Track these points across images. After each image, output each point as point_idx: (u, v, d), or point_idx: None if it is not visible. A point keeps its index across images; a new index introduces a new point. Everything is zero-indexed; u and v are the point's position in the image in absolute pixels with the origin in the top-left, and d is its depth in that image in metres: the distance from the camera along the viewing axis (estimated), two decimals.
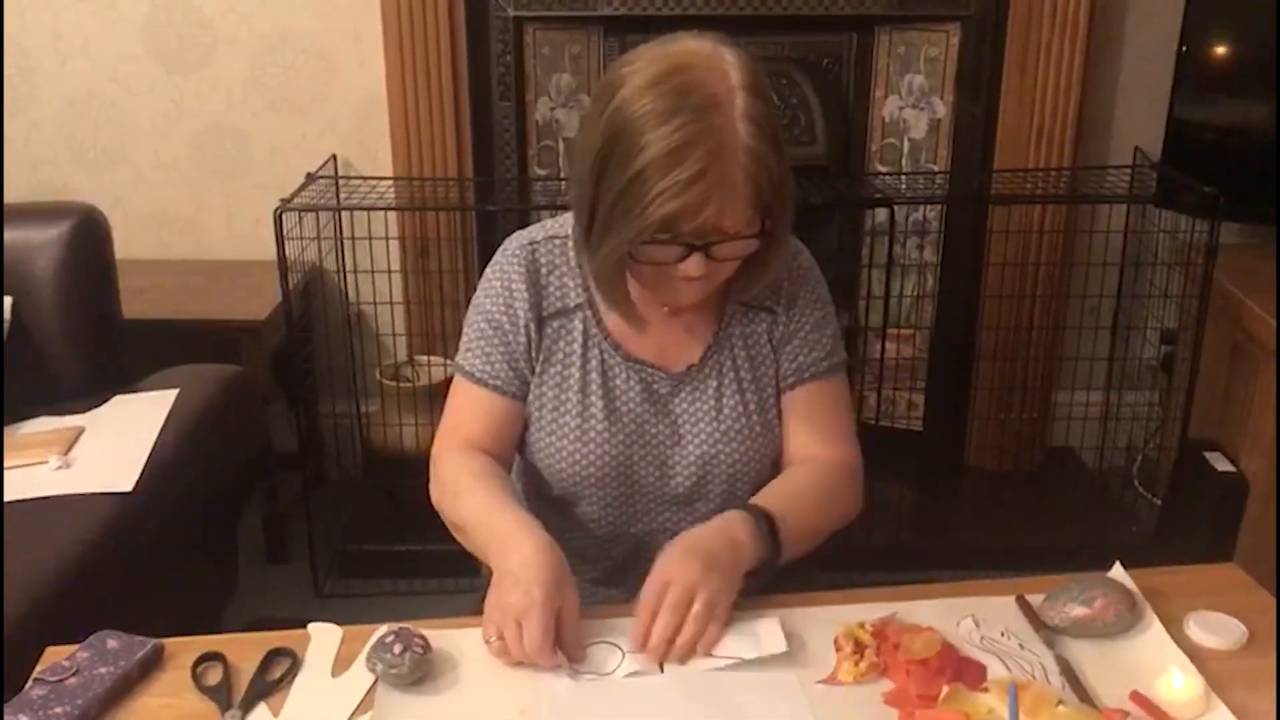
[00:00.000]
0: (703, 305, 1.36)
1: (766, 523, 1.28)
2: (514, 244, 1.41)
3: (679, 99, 1.16)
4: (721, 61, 1.20)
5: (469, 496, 1.31)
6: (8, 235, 2.18)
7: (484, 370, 1.39)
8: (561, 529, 1.33)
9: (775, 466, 1.44)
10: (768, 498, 1.34)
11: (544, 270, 1.39)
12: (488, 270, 1.42)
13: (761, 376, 1.41)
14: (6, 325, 2.13)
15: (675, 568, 1.20)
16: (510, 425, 1.40)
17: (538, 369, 1.39)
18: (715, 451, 1.38)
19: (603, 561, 1.46)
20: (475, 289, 1.44)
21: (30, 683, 1.13)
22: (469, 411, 1.40)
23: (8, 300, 2.14)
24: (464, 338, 1.42)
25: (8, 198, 2.38)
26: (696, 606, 1.18)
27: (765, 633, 1.20)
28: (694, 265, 1.22)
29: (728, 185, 1.17)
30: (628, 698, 1.14)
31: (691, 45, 1.22)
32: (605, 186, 1.21)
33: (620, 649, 1.20)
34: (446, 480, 1.36)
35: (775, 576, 1.30)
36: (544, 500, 1.44)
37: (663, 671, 1.17)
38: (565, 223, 1.39)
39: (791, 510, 1.31)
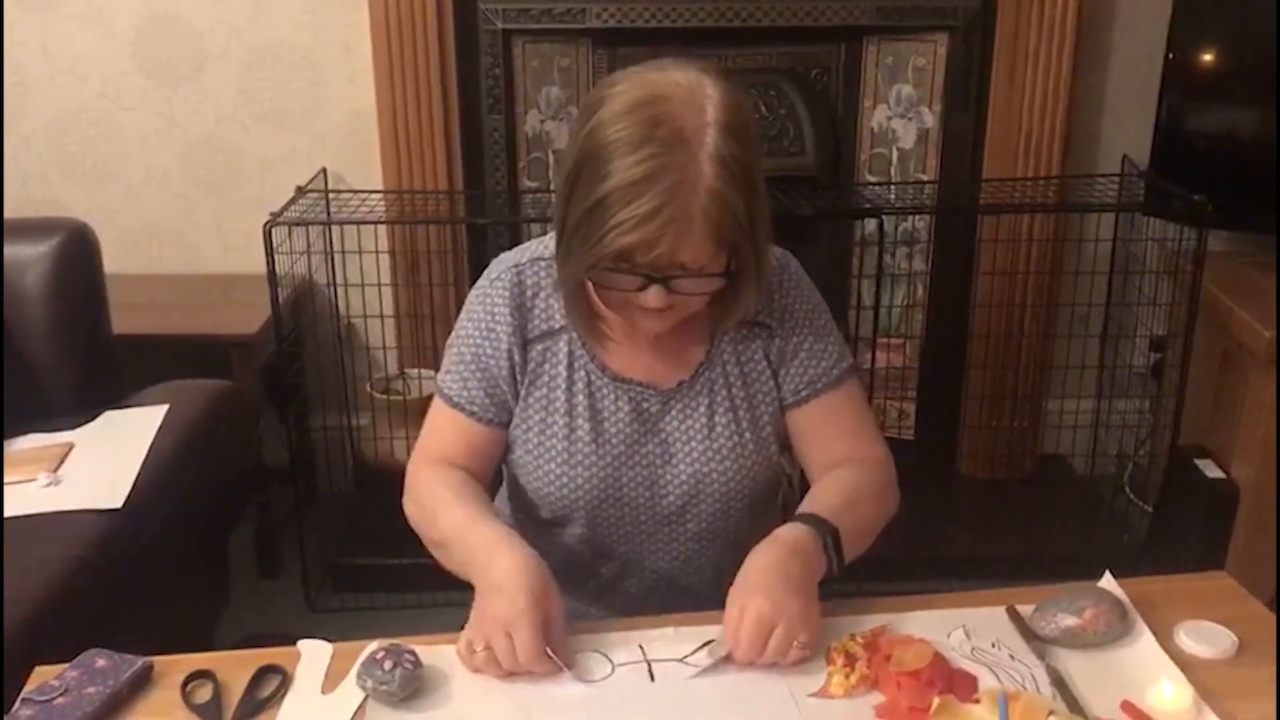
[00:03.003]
0: (693, 324, 1.35)
1: (832, 534, 1.27)
2: (499, 268, 1.40)
3: (649, 130, 1.15)
4: (700, 95, 1.18)
5: (447, 512, 1.31)
6: None
7: (460, 395, 1.39)
8: (550, 548, 1.33)
9: (770, 485, 1.43)
10: (820, 505, 1.31)
11: (529, 293, 1.38)
12: (471, 294, 1.41)
13: (755, 394, 1.40)
14: None
15: (774, 609, 1.17)
16: (485, 449, 1.40)
17: (523, 392, 1.39)
18: (707, 470, 1.38)
19: (593, 580, 1.45)
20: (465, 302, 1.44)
21: (18, 703, 1.13)
22: (446, 433, 1.41)
23: None
24: (445, 360, 1.42)
25: None
26: (803, 637, 1.17)
27: None
28: (653, 297, 1.21)
29: (685, 222, 1.16)
30: (619, 712, 1.14)
31: (675, 76, 1.20)
32: (572, 208, 1.21)
33: (610, 659, 1.20)
34: (424, 497, 1.36)
35: None
36: (532, 520, 1.44)
37: (653, 680, 1.17)
38: (551, 244, 1.38)
39: (846, 518, 1.30)
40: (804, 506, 1.32)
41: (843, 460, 1.40)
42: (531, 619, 1.15)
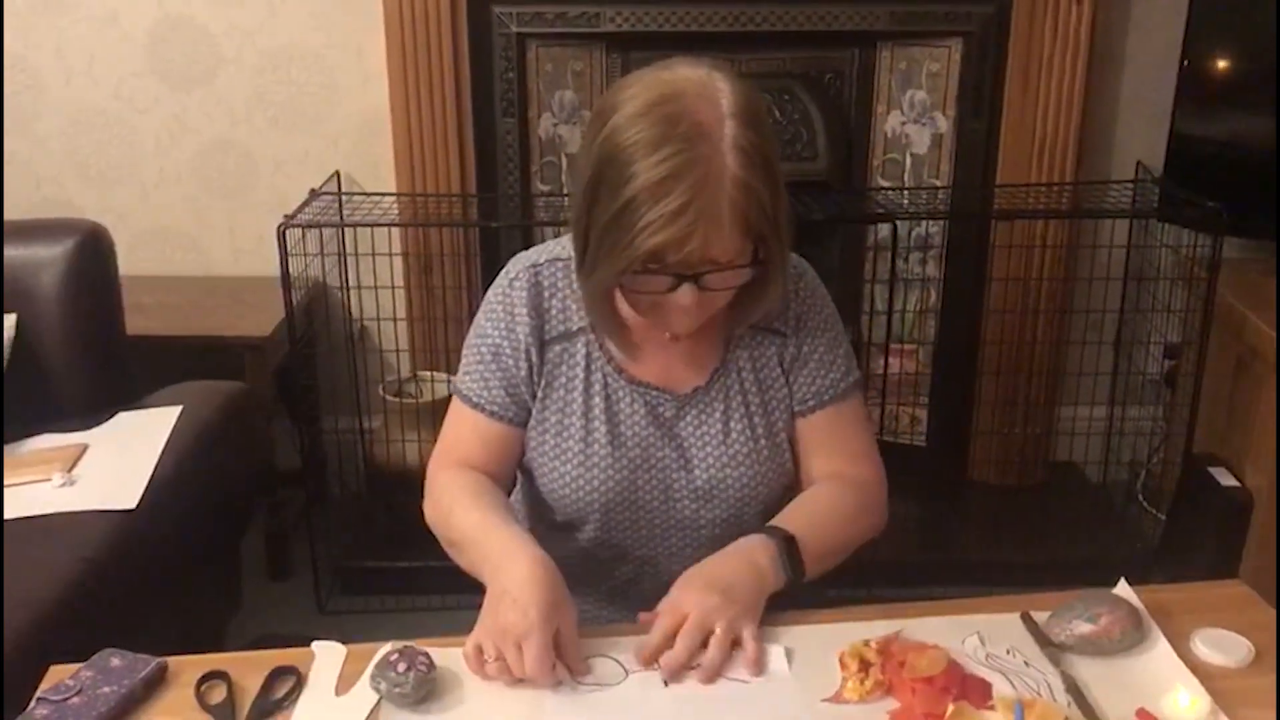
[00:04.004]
0: (708, 329, 1.35)
1: (787, 545, 1.28)
2: (516, 267, 1.40)
3: (668, 128, 1.16)
4: (713, 89, 1.19)
5: (462, 513, 1.31)
6: (12, 253, 2.19)
7: (481, 395, 1.39)
8: (565, 551, 1.34)
9: (785, 491, 1.43)
10: (788, 518, 1.33)
11: (547, 294, 1.38)
12: (489, 293, 1.41)
13: (770, 400, 1.40)
14: (9, 343, 2.13)
15: (693, 598, 1.21)
16: (506, 449, 1.40)
17: (540, 394, 1.38)
18: (723, 476, 1.38)
19: (606, 583, 1.45)
20: (478, 305, 1.43)
21: (34, 702, 1.13)
22: (465, 434, 1.40)
23: (11, 318, 2.15)
24: (463, 360, 1.42)
25: (12, 215, 2.38)
26: (718, 632, 1.18)
27: (772, 663, 1.20)
28: (685, 295, 1.21)
29: (714, 216, 1.16)
30: (631, 715, 1.14)
31: (685, 72, 1.21)
32: (596, 215, 1.21)
33: (622, 665, 1.20)
34: (441, 498, 1.36)
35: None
36: (547, 524, 1.44)
37: (666, 685, 1.17)
38: (568, 244, 1.37)
39: (812, 530, 1.31)
40: (776, 519, 1.33)
41: (833, 476, 1.41)
42: (542, 633, 1.14)
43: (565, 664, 1.17)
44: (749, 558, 1.26)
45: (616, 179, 1.17)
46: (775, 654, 1.21)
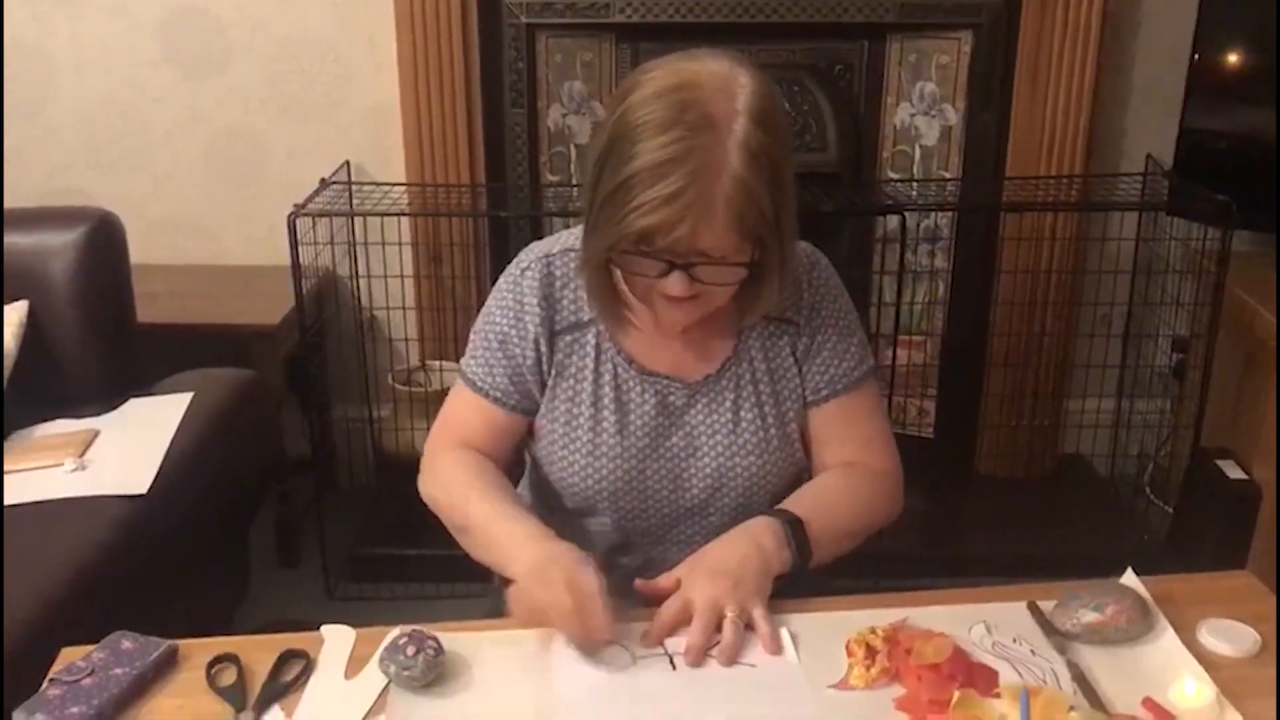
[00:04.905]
0: (719, 318, 1.35)
1: (793, 527, 1.28)
2: (529, 256, 1.41)
3: (677, 114, 1.16)
4: (733, 84, 1.19)
5: (478, 501, 1.32)
6: (24, 240, 2.20)
7: (484, 380, 1.40)
8: (573, 539, 1.34)
9: (795, 481, 1.44)
10: (796, 502, 1.34)
11: (559, 284, 1.38)
12: (501, 280, 1.42)
13: (781, 390, 1.40)
14: (20, 329, 2.14)
15: (702, 584, 1.22)
16: (505, 435, 1.41)
17: (550, 383, 1.39)
18: (731, 464, 1.38)
19: (614, 571, 1.45)
20: (487, 294, 1.44)
21: (46, 683, 1.14)
22: (466, 415, 1.42)
23: (23, 305, 2.16)
24: (470, 343, 1.42)
25: (24, 203, 2.39)
26: (731, 614, 1.19)
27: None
28: (674, 283, 1.21)
29: (706, 207, 1.16)
30: (640, 700, 1.14)
31: (709, 64, 1.21)
32: (600, 187, 1.21)
33: (630, 651, 1.20)
34: (451, 483, 1.37)
35: (786, 581, 1.30)
36: (555, 511, 1.45)
37: (674, 669, 1.18)
38: (580, 235, 1.39)
39: (821, 514, 1.32)
40: (784, 502, 1.34)
41: (847, 465, 1.41)
42: (580, 596, 1.16)
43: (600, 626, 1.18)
44: (755, 540, 1.27)
45: (621, 156, 1.18)
46: (782, 639, 1.21)
